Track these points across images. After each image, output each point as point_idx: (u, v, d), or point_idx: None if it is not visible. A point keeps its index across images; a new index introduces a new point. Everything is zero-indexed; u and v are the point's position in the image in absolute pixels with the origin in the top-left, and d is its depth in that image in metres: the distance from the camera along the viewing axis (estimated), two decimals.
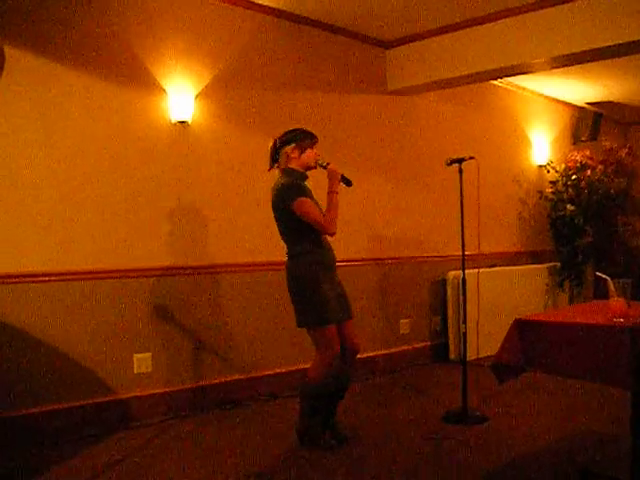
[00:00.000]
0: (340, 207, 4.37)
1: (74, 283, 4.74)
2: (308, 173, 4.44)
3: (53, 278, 4.64)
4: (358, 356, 4.53)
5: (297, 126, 4.50)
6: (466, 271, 5.16)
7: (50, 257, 4.64)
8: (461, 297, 5.26)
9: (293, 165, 4.36)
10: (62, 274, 4.68)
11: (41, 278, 4.59)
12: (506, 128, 8.44)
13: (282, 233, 4.39)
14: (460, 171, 5.02)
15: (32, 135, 4.58)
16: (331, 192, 4.31)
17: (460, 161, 5.03)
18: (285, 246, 4.40)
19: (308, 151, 4.35)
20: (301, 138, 4.36)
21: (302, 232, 4.28)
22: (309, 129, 4.46)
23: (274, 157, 4.43)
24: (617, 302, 3.23)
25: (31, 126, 4.57)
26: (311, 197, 4.32)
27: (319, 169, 4.43)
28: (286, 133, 4.41)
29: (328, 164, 4.37)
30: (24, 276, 4.51)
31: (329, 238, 4.43)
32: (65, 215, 4.71)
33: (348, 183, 4.45)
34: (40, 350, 4.57)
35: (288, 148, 4.36)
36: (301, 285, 4.31)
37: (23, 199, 4.53)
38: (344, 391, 4.48)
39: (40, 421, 4.52)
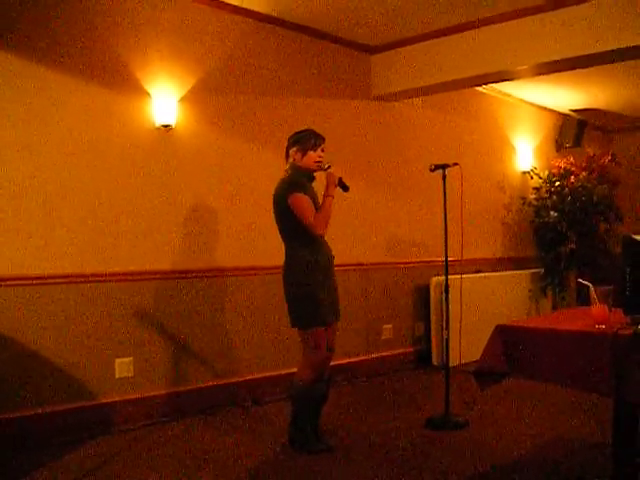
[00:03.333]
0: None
1: (55, 287, 4.70)
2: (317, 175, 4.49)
3: (34, 282, 4.60)
4: (340, 361, 4.53)
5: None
6: (449, 277, 5.17)
7: (31, 261, 4.59)
8: (444, 303, 5.26)
9: (299, 165, 4.39)
10: (43, 278, 4.64)
11: (21, 282, 4.54)
12: (490, 134, 8.48)
13: (280, 230, 4.42)
14: (444, 177, 5.03)
15: (13, 138, 4.54)
16: (326, 195, 4.33)
17: (444, 167, 5.03)
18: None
19: (310, 154, 4.36)
20: (304, 141, 4.38)
21: (297, 231, 4.30)
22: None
23: (286, 156, 4.47)
24: (599, 309, 3.24)
25: (13, 128, 4.54)
26: (311, 196, 4.32)
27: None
28: (295, 134, 4.45)
29: (329, 167, 4.40)
30: (3, 280, 4.47)
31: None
32: (46, 218, 4.67)
33: (345, 188, 4.46)
34: (20, 354, 4.53)
35: (292, 150, 4.40)
36: (294, 285, 4.33)
37: (4, 202, 4.48)
38: (327, 393, 4.49)
39: (20, 426, 4.47)
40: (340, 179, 4.42)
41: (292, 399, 4.46)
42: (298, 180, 4.33)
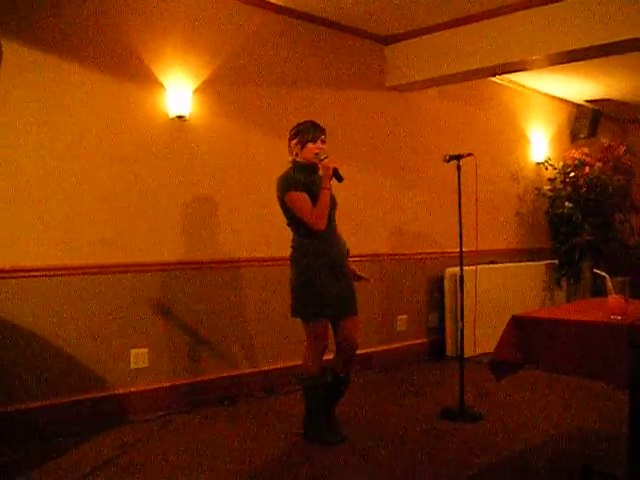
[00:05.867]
0: (338, 203, 4.49)
1: (70, 278, 4.72)
2: None
3: (49, 273, 4.62)
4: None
5: (298, 120, 4.49)
6: (464, 268, 5.16)
7: (46, 252, 4.62)
8: (458, 294, 5.25)
9: (299, 158, 4.37)
10: (58, 269, 4.66)
11: (36, 273, 4.57)
12: (504, 125, 8.44)
13: (286, 223, 4.42)
14: (458, 167, 5.01)
15: (30, 129, 4.56)
16: (322, 188, 4.27)
17: (458, 157, 5.02)
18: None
19: (309, 145, 4.32)
20: (302, 133, 4.35)
21: (300, 224, 4.30)
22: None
23: (289, 149, 4.44)
24: (615, 299, 3.23)
25: (29, 121, 4.55)
26: (312, 188, 4.27)
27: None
28: (295, 126, 4.42)
29: (325, 158, 4.30)
30: (20, 271, 4.50)
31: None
32: (62, 210, 4.69)
33: (339, 179, 4.34)
34: (36, 345, 4.56)
35: (292, 142, 4.39)
36: (295, 276, 4.35)
37: (21, 194, 4.51)
38: (342, 388, 4.50)
39: (36, 416, 4.50)
40: (335, 170, 4.30)
41: (302, 390, 4.48)
42: (293, 176, 4.30)
